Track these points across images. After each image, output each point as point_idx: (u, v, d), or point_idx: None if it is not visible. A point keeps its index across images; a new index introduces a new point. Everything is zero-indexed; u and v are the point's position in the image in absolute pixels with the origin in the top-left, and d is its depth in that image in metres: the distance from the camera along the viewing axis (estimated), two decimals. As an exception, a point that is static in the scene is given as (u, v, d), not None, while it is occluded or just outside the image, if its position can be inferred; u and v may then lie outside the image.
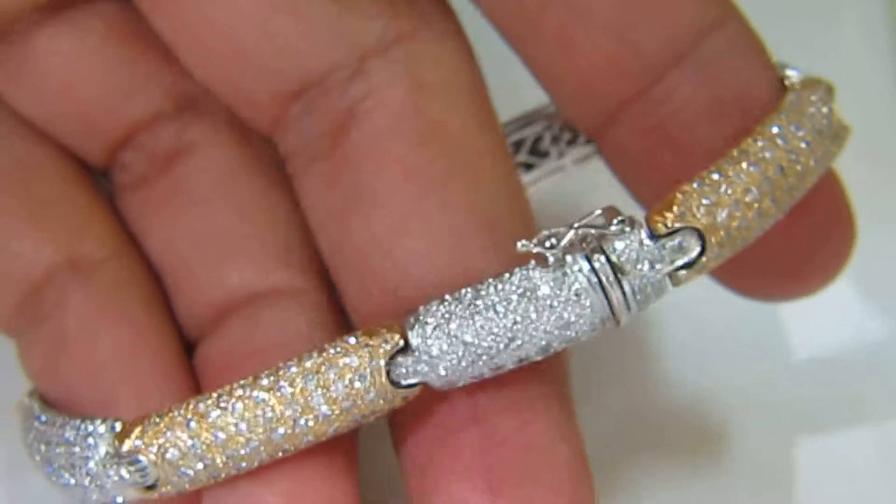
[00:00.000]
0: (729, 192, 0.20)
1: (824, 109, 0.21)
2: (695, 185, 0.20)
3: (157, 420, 0.20)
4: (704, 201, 0.20)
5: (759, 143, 0.20)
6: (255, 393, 0.20)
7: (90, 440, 0.21)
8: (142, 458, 0.20)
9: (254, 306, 0.23)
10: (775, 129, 0.21)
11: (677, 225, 0.20)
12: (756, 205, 0.20)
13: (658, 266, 0.20)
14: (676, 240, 0.20)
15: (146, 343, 0.23)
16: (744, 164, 0.20)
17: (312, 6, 0.22)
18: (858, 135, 0.23)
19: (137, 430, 0.20)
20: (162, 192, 0.24)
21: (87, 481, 0.21)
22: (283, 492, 0.21)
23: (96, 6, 0.23)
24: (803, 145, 0.21)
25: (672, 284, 0.20)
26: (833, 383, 0.28)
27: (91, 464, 0.21)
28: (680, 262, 0.20)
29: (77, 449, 0.21)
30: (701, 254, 0.20)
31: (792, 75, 0.23)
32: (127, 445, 0.20)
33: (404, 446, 0.21)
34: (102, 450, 0.21)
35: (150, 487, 0.21)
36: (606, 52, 0.22)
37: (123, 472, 0.21)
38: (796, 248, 0.23)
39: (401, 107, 0.22)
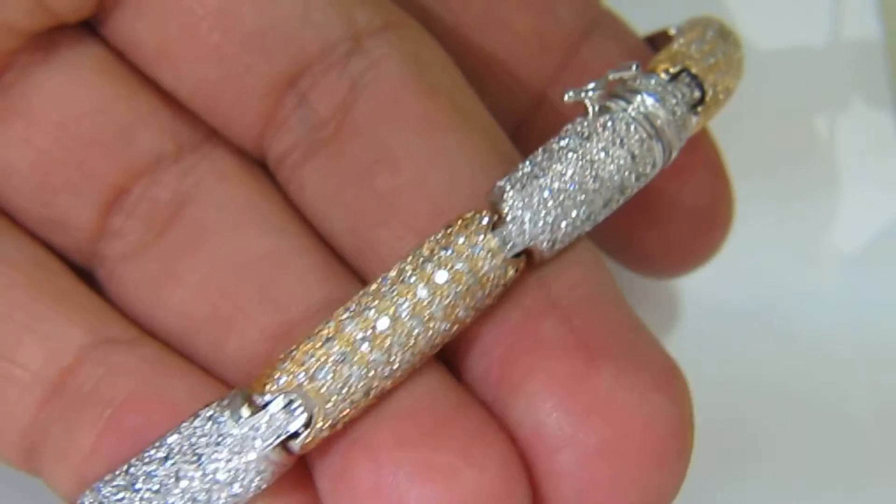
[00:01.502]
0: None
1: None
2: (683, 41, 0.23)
3: (290, 353, 0.19)
4: (695, 50, 0.22)
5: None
6: (383, 290, 0.20)
7: (220, 419, 0.20)
8: (288, 393, 0.19)
9: (314, 316, 0.22)
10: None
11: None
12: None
13: (677, 103, 0.21)
14: (682, 83, 0.22)
15: (218, 391, 0.21)
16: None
17: None
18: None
19: (269, 374, 0.19)
20: (170, 249, 0.23)
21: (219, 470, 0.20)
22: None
23: (86, 46, 0.23)
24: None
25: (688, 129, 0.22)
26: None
27: (229, 435, 0.19)
28: (692, 103, 0.22)
29: (203, 440, 0.20)
30: (703, 96, 0.22)
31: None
32: (269, 388, 0.19)
33: (479, 341, 0.21)
34: (244, 412, 0.19)
35: (306, 426, 0.19)
36: (530, 26, 0.24)
37: (274, 418, 0.19)
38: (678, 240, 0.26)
39: (403, 73, 0.22)
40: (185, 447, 0.20)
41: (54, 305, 0.22)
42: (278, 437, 0.19)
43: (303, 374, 0.19)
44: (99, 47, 0.23)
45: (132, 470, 0.20)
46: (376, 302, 0.20)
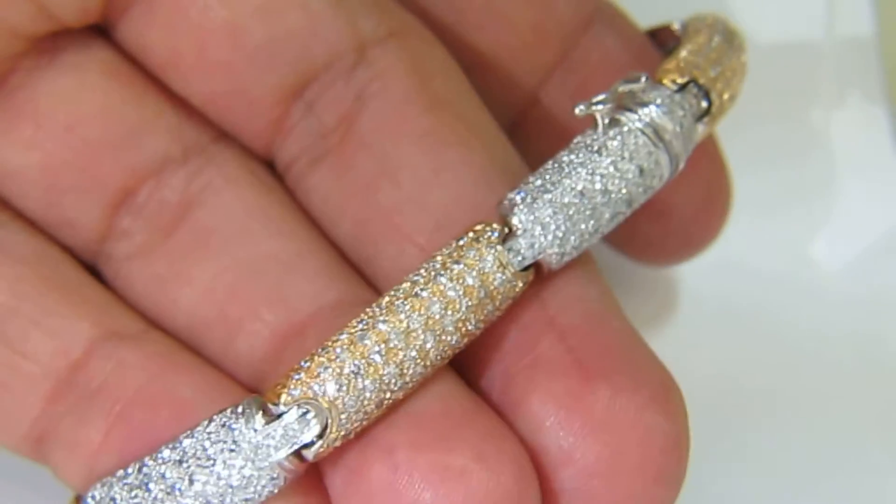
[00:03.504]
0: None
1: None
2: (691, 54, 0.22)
3: (304, 365, 0.20)
4: (703, 59, 0.22)
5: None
6: (400, 303, 0.20)
7: (234, 426, 0.20)
8: (303, 404, 0.20)
9: (325, 317, 0.22)
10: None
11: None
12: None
13: (686, 115, 0.22)
14: (689, 93, 0.22)
15: (226, 388, 0.22)
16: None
17: (313, 1, 0.22)
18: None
19: (284, 384, 0.20)
20: (178, 250, 0.23)
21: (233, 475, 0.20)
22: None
23: (92, 50, 0.23)
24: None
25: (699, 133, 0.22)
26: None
27: (244, 442, 0.20)
28: (698, 113, 0.22)
29: (218, 445, 0.20)
30: (709, 106, 0.22)
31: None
32: (284, 399, 0.20)
33: (478, 367, 0.21)
34: (259, 421, 0.20)
35: (319, 437, 0.20)
36: (530, 20, 0.24)
37: (288, 427, 0.20)
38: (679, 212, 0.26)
39: (407, 85, 0.22)
40: (199, 451, 0.20)
41: (62, 299, 0.22)
42: (292, 446, 0.20)
43: (317, 385, 0.20)
44: (106, 50, 0.23)
45: (145, 470, 0.20)
46: (390, 316, 0.20)
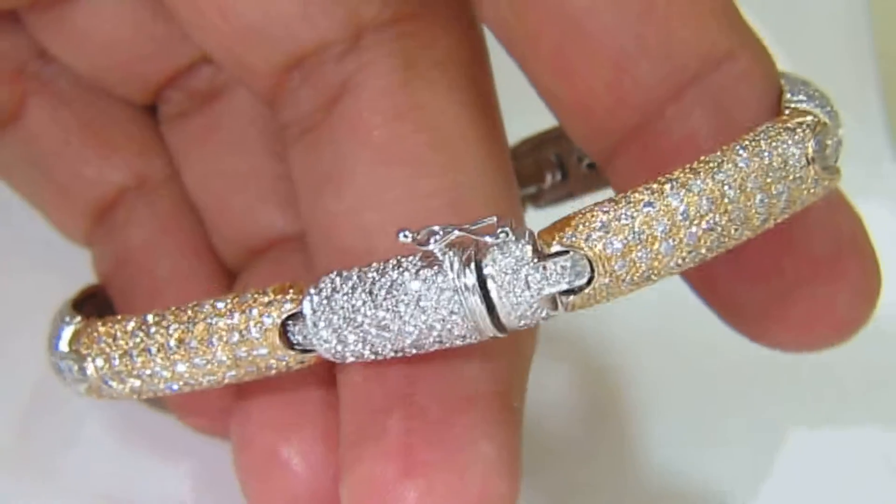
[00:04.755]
0: (631, 219, 0.19)
1: (793, 148, 0.20)
2: (598, 208, 0.19)
3: (98, 329, 0.22)
4: (599, 226, 0.19)
5: (688, 173, 0.19)
6: (170, 321, 0.21)
7: (60, 333, 0.23)
8: (86, 363, 0.22)
9: (283, 250, 0.24)
10: (714, 160, 0.19)
11: (562, 247, 0.19)
12: (667, 238, 0.19)
13: (533, 285, 0.19)
14: (560, 263, 0.19)
15: (202, 266, 0.25)
16: (665, 192, 0.19)
17: None
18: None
19: (85, 335, 0.22)
20: (201, 128, 0.26)
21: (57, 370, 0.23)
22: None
23: None
24: (744, 181, 0.19)
25: (563, 308, 0.19)
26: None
27: (55, 358, 0.23)
28: (562, 287, 0.19)
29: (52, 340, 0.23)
30: (589, 282, 0.19)
31: (795, 106, 0.21)
32: (77, 345, 0.22)
33: (342, 408, 0.22)
34: (65, 345, 0.22)
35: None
36: (604, 81, 0.21)
37: (72, 368, 0.22)
38: (802, 295, 0.22)
39: (386, 84, 0.22)
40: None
41: (102, 145, 0.26)
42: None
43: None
44: None
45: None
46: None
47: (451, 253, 0.19)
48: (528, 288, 0.19)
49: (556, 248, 0.19)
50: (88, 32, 0.25)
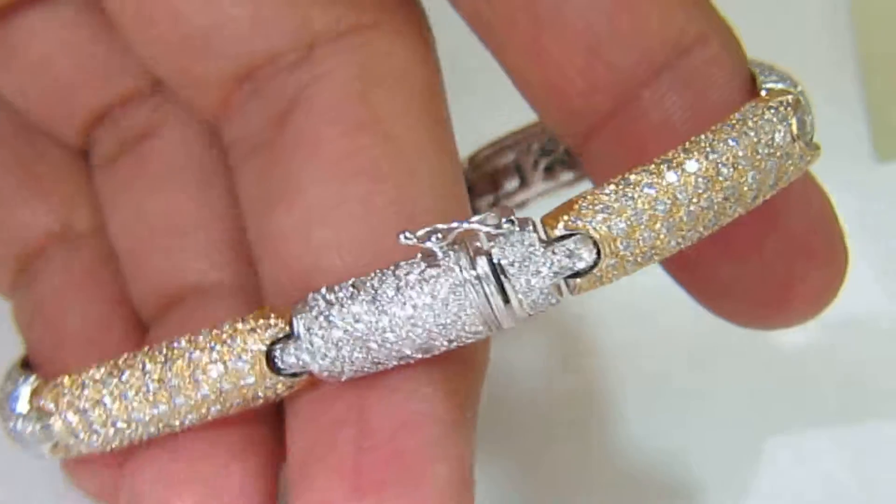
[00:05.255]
0: (633, 200, 0.19)
1: (779, 126, 0.20)
2: (599, 191, 0.19)
3: (63, 382, 0.21)
4: (602, 208, 0.19)
5: (682, 155, 0.19)
6: (144, 362, 0.20)
7: (16, 394, 0.22)
8: (51, 419, 0.21)
9: (197, 300, 0.23)
10: (705, 141, 0.19)
11: (568, 231, 0.19)
12: (667, 217, 0.19)
13: (544, 271, 0.19)
14: (568, 245, 0.19)
15: (114, 320, 0.24)
16: (663, 173, 0.19)
17: None
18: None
19: (48, 390, 0.21)
20: (129, 171, 0.25)
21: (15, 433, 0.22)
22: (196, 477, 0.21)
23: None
24: (737, 159, 0.19)
25: (569, 292, 0.19)
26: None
27: (12, 421, 0.22)
28: (570, 270, 0.19)
29: (7, 403, 0.22)
30: (595, 263, 0.19)
31: (771, 87, 0.21)
32: (39, 403, 0.21)
33: (290, 431, 0.21)
34: (24, 405, 0.21)
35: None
36: (578, 66, 0.21)
37: (35, 427, 0.21)
38: (778, 272, 0.22)
39: (341, 95, 0.21)
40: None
41: (30, 192, 0.25)
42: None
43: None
44: None
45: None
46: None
47: (455, 248, 0.19)
48: (539, 273, 0.19)
49: (560, 231, 0.19)
50: (19, 50, 0.24)
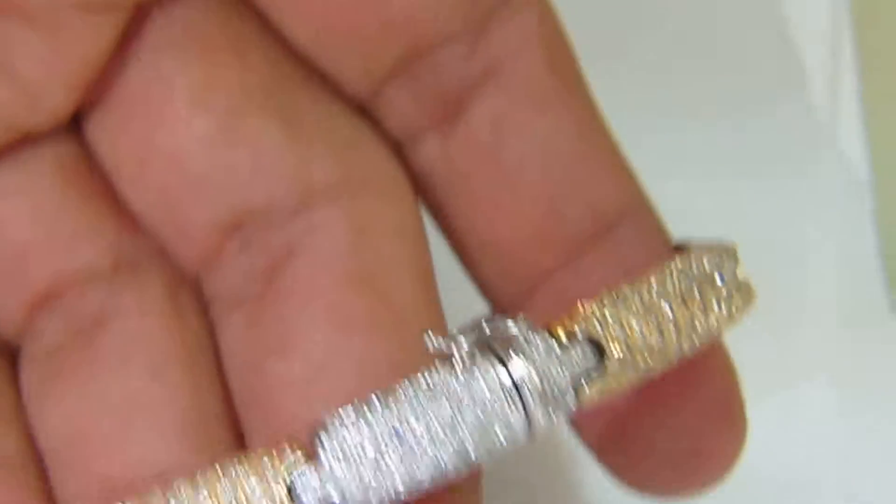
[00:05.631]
0: (636, 303, 0.20)
1: (714, 272, 0.21)
2: (595, 300, 0.20)
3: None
4: (603, 314, 0.20)
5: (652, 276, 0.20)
6: None
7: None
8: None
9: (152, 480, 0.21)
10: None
11: (569, 335, 0.20)
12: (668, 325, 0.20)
13: (562, 375, 0.19)
14: (577, 349, 0.20)
15: None
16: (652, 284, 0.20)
17: (265, 138, 0.22)
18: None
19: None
20: (75, 361, 0.22)
21: None
22: None
23: (45, 148, 0.23)
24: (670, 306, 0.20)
25: (577, 399, 0.20)
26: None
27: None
28: (583, 373, 0.20)
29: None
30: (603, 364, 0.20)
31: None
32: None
33: None
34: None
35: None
36: (534, 222, 0.22)
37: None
38: (697, 432, 0.23)
39: (338, 248, 0.22)
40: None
41: None
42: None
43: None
44: (66, 144, 0.23)
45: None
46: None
47: (485, 353, 0.19)
48: (558, 376, 0.19)
49: (563, 336, 0.20)
50: None
